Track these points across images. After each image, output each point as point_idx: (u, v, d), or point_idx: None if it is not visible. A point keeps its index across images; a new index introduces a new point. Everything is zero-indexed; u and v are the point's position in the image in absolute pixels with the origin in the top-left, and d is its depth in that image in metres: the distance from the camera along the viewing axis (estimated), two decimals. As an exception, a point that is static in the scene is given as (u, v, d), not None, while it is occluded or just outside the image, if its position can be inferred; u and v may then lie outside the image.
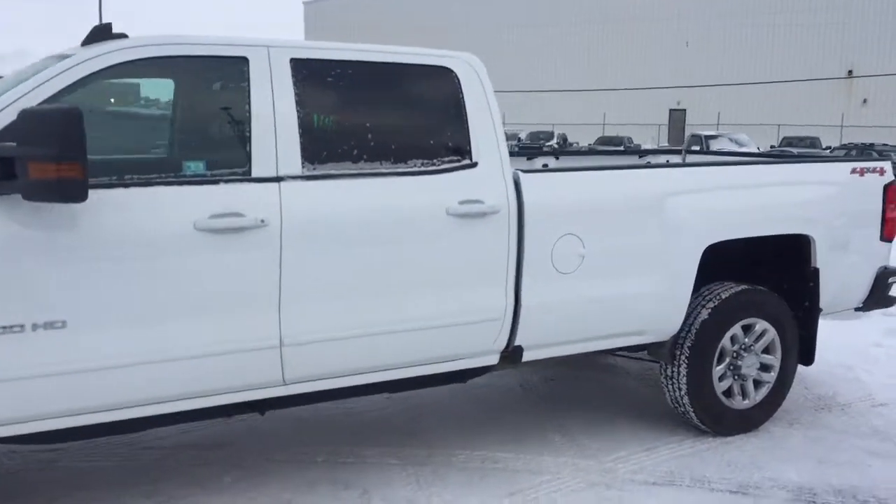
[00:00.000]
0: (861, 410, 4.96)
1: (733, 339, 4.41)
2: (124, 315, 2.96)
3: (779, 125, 42.94)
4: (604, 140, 38.47)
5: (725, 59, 48.18)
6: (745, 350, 4.44)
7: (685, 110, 49.92)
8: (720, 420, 4.43)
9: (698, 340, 4.28)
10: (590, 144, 37.87)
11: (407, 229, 3.45)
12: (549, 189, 3.80)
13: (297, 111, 3.28)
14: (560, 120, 47.83)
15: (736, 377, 4.45)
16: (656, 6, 49.48)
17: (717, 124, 44.28)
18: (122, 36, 3.15)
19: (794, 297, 4.66)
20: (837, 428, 4.66)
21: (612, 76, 49.84)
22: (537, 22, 52.49)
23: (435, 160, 3.56)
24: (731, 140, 24.57)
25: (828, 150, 29.37)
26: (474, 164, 3.64)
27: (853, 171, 4.69)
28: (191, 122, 3.48)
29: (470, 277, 3.62)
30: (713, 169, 4.38)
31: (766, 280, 4.70)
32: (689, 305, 4.32)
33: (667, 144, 41.86)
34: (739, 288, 4.41)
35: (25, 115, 2.67)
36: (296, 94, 3.29)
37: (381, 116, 3.53)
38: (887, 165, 4.84)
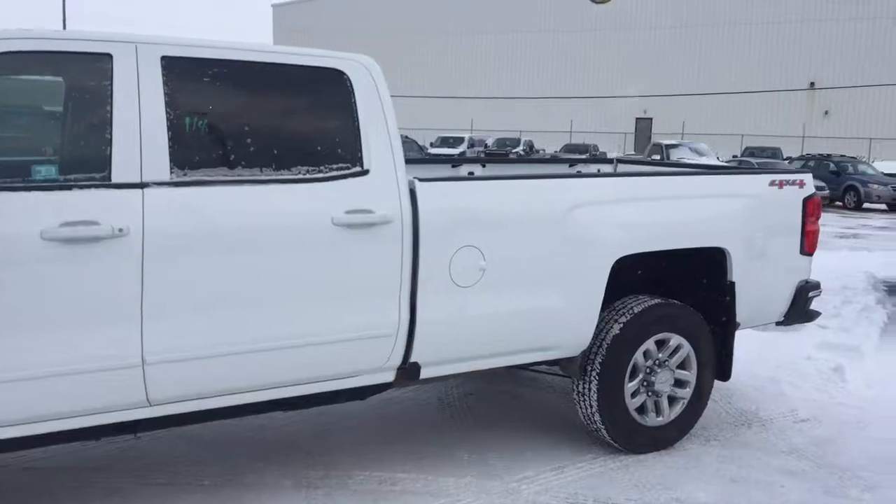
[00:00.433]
0: (782, 427, 4.86)
1: (646, 355, 4.28)
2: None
3: (742, 135, 43.37)
4: (570, 147, 38.60)
5: (692, 70, 48.61)
6: (658, 366, 4.31)
7: (651, 119, 50.30)
8: (633, 438, 4.29)
9: (609, 356, 4.14)
10: (555, 151, 37.99)
11: (287, 240, 3.26)
12: (446, 198, 3.63)
13: (167, 113, 3.09)
14: (529, 127, 47.92)
15: (650, 393, 4.32)
16: (625, 17, 49.80)
17: (682, 133, 44.60)
18: None
19: (712, 312, 4.54)
20: (755, 445, 4.54)
21: (580, 84, 50.06)
22: (509, 28, 52.56)
23: (322, 167, 3.38)
24: (691, 149, 24.63)
25: (787, 161, 29.64)
26: (365, 172, 3.47)
27: (772, 183, 4.59)
28: (45, 122, 3.27)
29: (359, 291, 3.44)
30: (622, 180, 4.24)
31: (683, 294, 4.59)
32: (601, 320, 4.19)
33: (633, 153, 42.06)
34: (653, 302, 4.28)
35: None
36: (166, 95, 3.10)
37: (263, 120, 3.34)
38: (808, 178, 4.75)
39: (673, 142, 26.25)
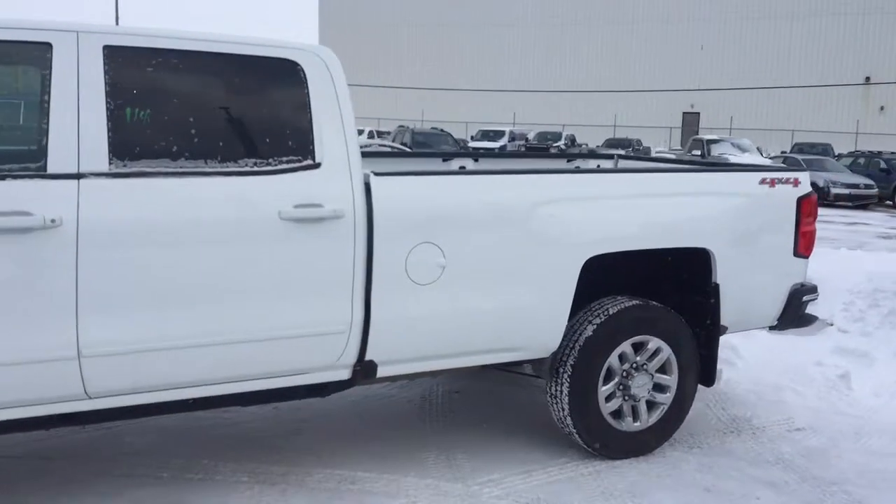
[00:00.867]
0: (773, 435, 4.66)
1: (622, 358, 4.13)
2: None
3: (793, 131, 42.34)
4: (612, 142, 38.16)
5: (741, 63, 47.59)
6: (636, 369, 4.16)
7: (699, 113, 49.34)
8: (607, 442, 4.15)
9: (581, 358, 4.00)
10: (597, 146, 37.49)
11: (231, 234, 3.20)
12: (403, 193, 3.54)
13: (108, 103, 3.04)
14: (572, 121, 47.45)
15: (626, 398, 4.17)
16: (671, 8, 48.93)
17: (730, 128, 43.71)
18: None
19: (696, 314, 4.38)
20: (739, 454, 4.36)
21: (625, 78, 49.32)
22: (551, 21, 52.06)
23: (271, 160, 3.31)
24: (733, 144, 24.07)
25: (837, 158, 28.82)
26: (317, 165, 3.39)
27: (762, 181, 4.39)
28: (-19, 112, 3.26)
29: (309, 287, 3.36)
30: (594, 177, 4.09)
31: (668, 296, 4.42)
32: (576, 321, 4.06)
33: (679, 148, 41.35)
34: (629, 303, 4.13)
35: None
36: (108, 85, 3.05)
37: (210, 112, 3.27)
38: (803, 176, 4.53)
39: (714, 137, 25.68)
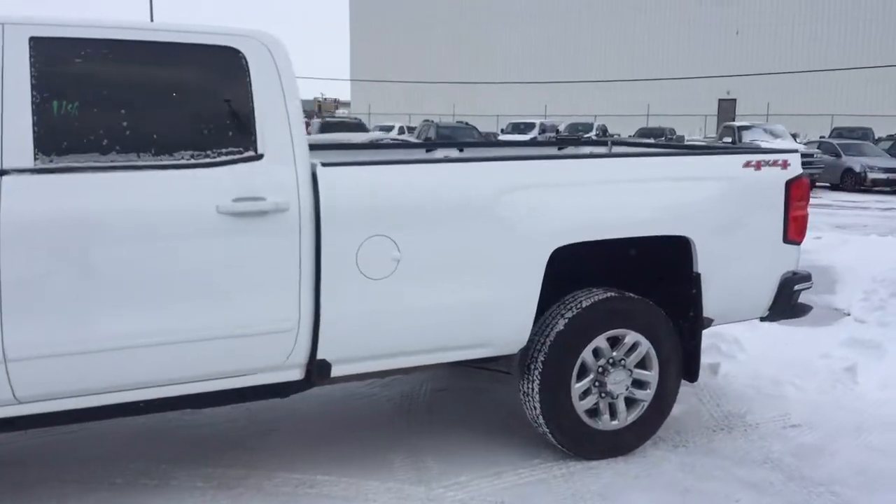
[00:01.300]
0: (766, 433, 4.43)
1: (597, 353, 3.94)
2: None
3: (832, 115, 41.32)
4: (644, 132, 37.54)
5: (778, 47, 46.60)
6: (612, 365, 3.96)
7: (735, 100, 48.42)
8: (581, 442, 3.97)
9: (553, 354, 3.82)
10: (629, 136, 36.93)
11: (166, 231, 3.08)
12: (353, 184, 3.39)
13: (34, 96, 2.94)
14: (605, 111, 46.86)
15: (603, 395, 3.98)
16: (705, -8, 48.07)
17: (767, 115, 42.84)
18: None
19: (678, 306, 4.17)
20: (725, 453, 4.14)
21: (659, 66, 48.58)
22: (582, 12, 51.47)
23: (209, 152, 3.18)
24: (765, 130, 23.46)
25: (875, 142, 28.01)
26: (259, 157, 3.25)
27: (747, 164, 4.16)
28: None
29: (253, 284, 3.23)
30: (560, 163, 3.89)
31: (649, 287, 4.22)
32: (548, 314, 3.88)
33: (713, 136, 40.60)
34: (603, 295, 3.94)
35: None
36: (34, 77, 2.95)
37: (144, 103, 3.15)
38: (793, 158, 4.29)
39: (745, 123, 25.06)
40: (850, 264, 9.74)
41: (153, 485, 3.67)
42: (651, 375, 4.06)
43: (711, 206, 4.04)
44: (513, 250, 3.62)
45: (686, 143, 26.44)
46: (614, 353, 3.97)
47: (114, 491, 3.60)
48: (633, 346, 4.00)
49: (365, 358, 3.54)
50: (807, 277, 4.44)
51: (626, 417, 4.04)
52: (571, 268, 4.03)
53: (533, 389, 3.87)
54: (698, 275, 4.05)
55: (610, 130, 40.20)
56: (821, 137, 31.89)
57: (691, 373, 4.21)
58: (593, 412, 3.99)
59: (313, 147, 6.21)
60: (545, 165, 3.80)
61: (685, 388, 5.05)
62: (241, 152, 3.23)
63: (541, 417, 3.90)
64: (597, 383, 3.96)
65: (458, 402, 4.86)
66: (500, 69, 52.28)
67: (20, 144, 2.90)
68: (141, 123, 3.11)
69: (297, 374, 3.46)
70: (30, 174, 2.91)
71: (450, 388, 5.09)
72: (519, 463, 3.97)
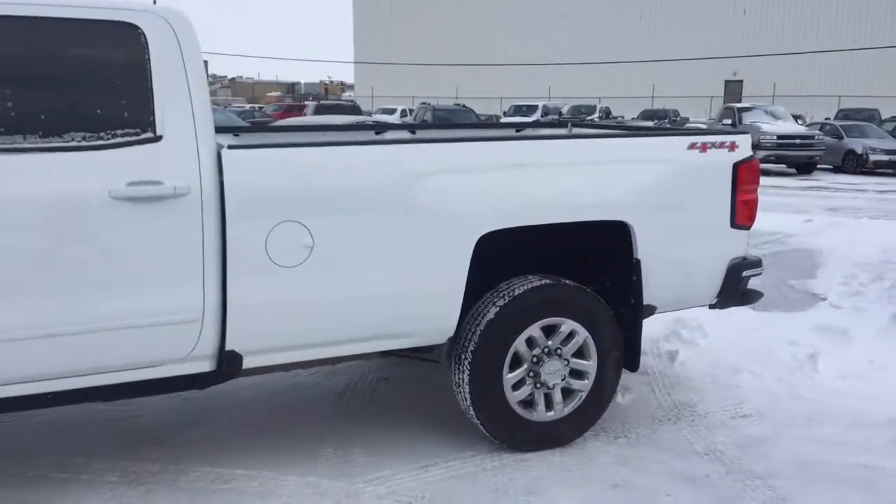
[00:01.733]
0: (714, 423, 4.28)
1: (531, 342, 3.79)
2: None
3: (839, 96, 40.82)
4: (648, 114, 37.16)
5: (785, 27, 46.05)
6: (547, 354, 3.81)
7: (742, 81, 47.90)
8: (514, 434, 3.83)
9: (482, 344, 3.68)
10: (633, 118, 36.57)
11: (55, 217, 2.94)
12: (260, 168, 3.24)
13: None
14: (609, 93, 46.41)
15: (537, 385, 3.84)
16: (711, -28, 47.47)
17: (773, 96, 42.36)
18: None
19: (619, 294, 4.01)
20: (667, 444, 4.00)
21: (663, 46, 48.06)
22: (587, -9, 50.94)
23: (103, 133, 3.03)
24: (766, 112, 23.14)
25: (880, 124, 27.61)
26: (157, 139, 3.10)
27: (692, 146, 3.99)
28: None
29: (152, 271, 3.09)
30: (484, 146, 3.71)
31: (591, 275, 4.07)
32: (481, 302, 3.74)
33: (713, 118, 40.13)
34: (537, 283, 3.78)
35: None
36: None
37: (34, 83, 2.99)
38: (742, 140, 4.11)
39: (745, 105, 24.69)
40: (836, 248, 9.53)
41: (63, 478, 3.55)
42: (589, 365, 3.91)
43: (652, 190, 3.87)
44: (435, 237, 3.47)
45: (682, 125, 26.09)
46: (549, 343, 3.82)
47: (22, 484, 3.49)
48: (570, 335, 3.85)
49: (279, 349, 3.40)
50: (756, 263, 4.27)
51: (562, 409, 3.90)
52: (508, 255, 3.89)
53: (463, 380, 3.73)
54: (638, 261, 3.89)
55: (614, 112, 39.88)
56: (826, 119, 31.52)
57: (632, 362, 4.06)
58: (528, 403, 3.85)
59: (291, 129, 6.11)
60: (468, 149, 3.63)
61: (638, 376, 4.93)
62: (138, 134, 3.08)
63: (472, 409, 3.76)
64: (531, 373, 3.82)
65: (401, 391, 4.73)
66: (503, 51, 51.85)
67: None
68: (29, 104, 2.96)
69: (206, 366, 3.32)
70: None
71: (394, 377, 4.95)
72: (451, 455, 3.84)
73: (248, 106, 42.97)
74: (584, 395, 3.93)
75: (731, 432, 4.16)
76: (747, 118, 22.50)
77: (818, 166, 22.29)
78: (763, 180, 17.35)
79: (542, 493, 3.49)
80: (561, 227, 3.77)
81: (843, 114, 33.41)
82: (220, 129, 3.86)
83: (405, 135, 5.07)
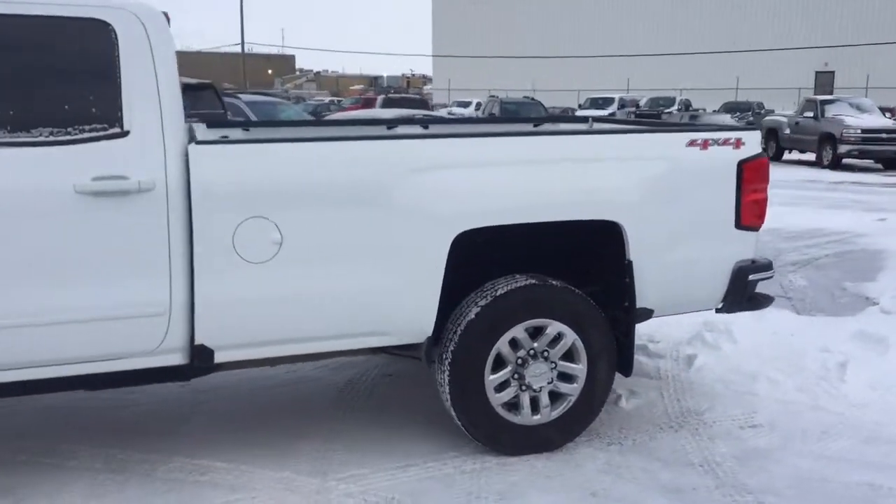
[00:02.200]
0: (718, 433, 4.09)
1: (515, 344, 3.69)
2: None
3: (941, 87, 38.78)
4: (730, 106, 36.07)
5: (881, 15, 43.95)
6: (532, 357, 3.71)
7: (833, 72, 45.96)
8: (497, 437, 3.74)
9: (463, 344, 3.60)
10: (714, 110, 35.54)
11: (19, 211, 3.00)
12: (228, 163, 3.23)
13: None
14: (691, 84, 45.22)
15: (523, 388, 3.73)
16: (801, -42, 45.68)
17: (867, 88, 40.55)
18: None
19: (612, 296, 3.87)
20: (661, 453, 3.84)
21: (750, 36, 46.51)
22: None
23: (70, 129, 3.08)
24: (850, 105, 22.10)
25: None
26: (125, 134, 3.13)
27: (692, 143, 3.81)
28: None
29: (118, 266, 3.13)
30: (464, 142, 3.61)
31: (584, 276, 3.94)
32: (465, 302, 3.67)
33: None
34: (521, 283, 3.68)
35: None
36: None
37: (3, 78, 3.06)
38: (749, 136, 3.90)
39: (829, 97, 23.65)
40: (896, 248, 9.08)
41: (51, 464, 3.64)
42: (579, 369, 3.78)
43: (646, 189, 3.71)
44: (409, 235, 3.40)
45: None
46: (535, 345, 3.71)
47: (10, 468, 3.58)
48: (557, 338, 3.73)
49: (251, 344, 3.40)
50: (766, 266, 4.05)
51: (550, 412, 3.78)
52: (498, 254, 3.80)
53: (444, 380, 3.66)
54: (630, 262, 3.74)
55: (695, 105, 38.82)
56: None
57: (625, 366, 3.91)
58: (513, 406, 3.75)
59: (335, 122, 6.14)
60: (446, 145, 3.55)
61: (649, 381, 4.79)
62: (105, 129, 3.12)
63: (452, 410, 3.69)
64: (516, 375, 3.72)
65: (402, 388, 4.68)
66: (581, 43, 51.11)
67: None
68: (-5, 100, 3.02)
69: (178, 359, 3.34)
70: None
71: (398, 373, 4.91)
72: (434, 455, 3.78)
73: (326, 99, 43.64)
74: (573, 399, 3.80)
75: (735, 443, 3.97)
76: (830, 111, 21.54)
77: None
78: (842, 176, 16.83)
79: (516, 499, 3.39)
80: (549, 227, 3.66)
81: (939, 106, 31.70)
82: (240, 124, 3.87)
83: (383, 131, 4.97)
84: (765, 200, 3.97)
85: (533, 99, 27.73)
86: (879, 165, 20.77)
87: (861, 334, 5.55)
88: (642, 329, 5.47)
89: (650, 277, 3.78)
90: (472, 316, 3.60)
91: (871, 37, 43.12)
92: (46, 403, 4.17)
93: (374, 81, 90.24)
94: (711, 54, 46.06)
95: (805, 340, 5.46)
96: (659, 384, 4.72)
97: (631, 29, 50.70)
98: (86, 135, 3.09)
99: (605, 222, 3.69)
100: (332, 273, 3.37)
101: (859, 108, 21.98)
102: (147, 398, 4.41)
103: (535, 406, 3.77)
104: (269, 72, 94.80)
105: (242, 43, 54.95)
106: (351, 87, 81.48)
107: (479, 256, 3.76)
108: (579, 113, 33.80)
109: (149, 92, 3.16)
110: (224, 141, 3.31)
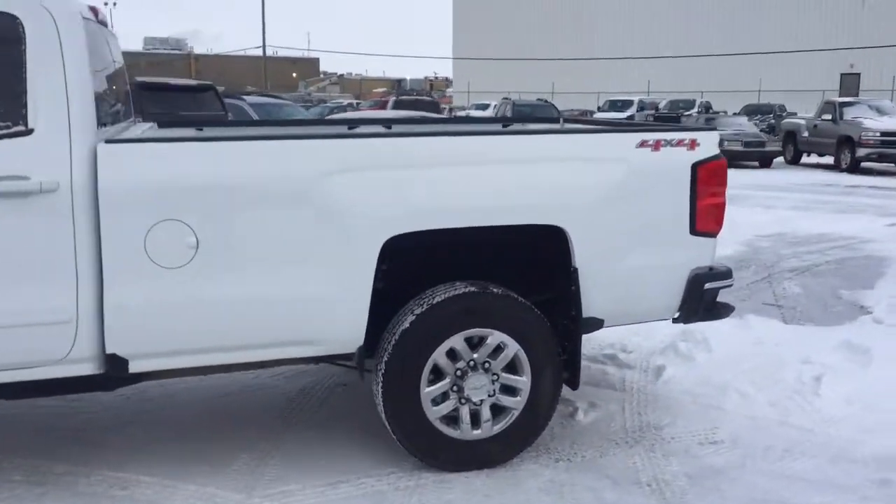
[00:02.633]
0: (675, 449, 3.88)
1: (454, 355, 3.51)
2: None
3: (966, 91, 37.97)
4: (751, 108, 35.56)
5: (908, 15, 43.14)
6: (472, 368, 3.52)
7: (859, 74, 45.16)
8: (434, 452, 3.56)
9: (397, 354, 3.43)
10: (735, 113, 35.03)
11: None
12: (139, 164, 3.08)
13: None
14: (711, 87, 44.66)
15: (462, 401, 3.55)
16: (825, -43, 44.99)
17: (893, 90, 39.85)
18: None
19: (559, 305, 3.68)
20: (610, 471, 3.64)
21: (772, 37, 45.84)
22: (692, -18, 49.18)
23: (-30, 127, 2.95)
24: (870, 107, 21.63)
25: None
26: (29, 132, 3.00)
27: (642, 143, 3.60)
28: None
29: (19, 270, 2.99)
30: (392, 142, 3.44)
31: (532, 284, 3.76)
32: (402, 311, 3.49)
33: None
34: (459, 291, 3.49)
35: None
36: None
37: None
38: (705, 137, 3.69)
39: (848, 99, 23.17)
40: (900, 255, 8.78)
41: (-28, 477, 3.52)
42: (522, 381, 3.59)
43: (592, 192, 3.52)
44: (334, 239, 3.23)
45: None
46: (475, 356, 3.53)
47: (-73, 481, 3.47)
48: (499, 348, 3.55)
49: (168, 353, 3.25)
50: (725, 274, 3.84)
51: (491, 427, 3.60)
52: (441, 262, 3.62)
53: (378, 393, 3.49)
54: (576, 270, 3.54)
55: (716, 107, 38.31)
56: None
57: (573, 379, 3.71)
58: (452, 419, 3.57)
59: (324, 122, 5.99)
60: (372, 145, 3.38)
61: (612, 393, 4.59)
62: (8, 127, 2.99)
63: (388, 424, 3.52)
64: (455, 388, 3.53)
65: (354, 399, 4.51)
66: (601, 45, 50.68)
67: None
68: None
69: (90, 369, 3.19)
70: None
71: (352, 383, 4.72)
72: (370, 471, 3.61)
73: (345, 102, 43.65)
74: (516, 413, 3.61)
75: (690, 461, 3.76)
76: (849, 113, 21.10)
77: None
78: (860, 179, 16.39)
79: (444, 521, 3.21)
80: (490, 233, 3.47)
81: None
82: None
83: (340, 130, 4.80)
84: (722, 205, 3.76)
85: (546, 101, 27.47)
86: (900, 169, 20.31)
87: (846, 345, 5.30)
88: (614, 338, 5.31)
89: (599, 285, 3.58)
90: (407, 325, 3.42)
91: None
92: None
93: (397, 84, 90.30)
94: (733, 56, 45.46)
95: (788, 351, 5.22)
96: (622, 396, 4.52)
97: (652, 30, 50.20)
98: (-13, 134, 2.96)
99: (549, 227, 3.50)
100: (252, 279, 3.21)
101: (879, 111, 21.52)
102: (89, 406, 4.28)
103: (475, 420, 3.58)
104: (294, 75, 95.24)
105: (264, 45, 55.29)
106: (374, 90, 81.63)
107: (422, 264, 3.59)
108: (598, 115, 33.48)
109: (56, 90, 3.02)
110: (137, 140, 3.16)
